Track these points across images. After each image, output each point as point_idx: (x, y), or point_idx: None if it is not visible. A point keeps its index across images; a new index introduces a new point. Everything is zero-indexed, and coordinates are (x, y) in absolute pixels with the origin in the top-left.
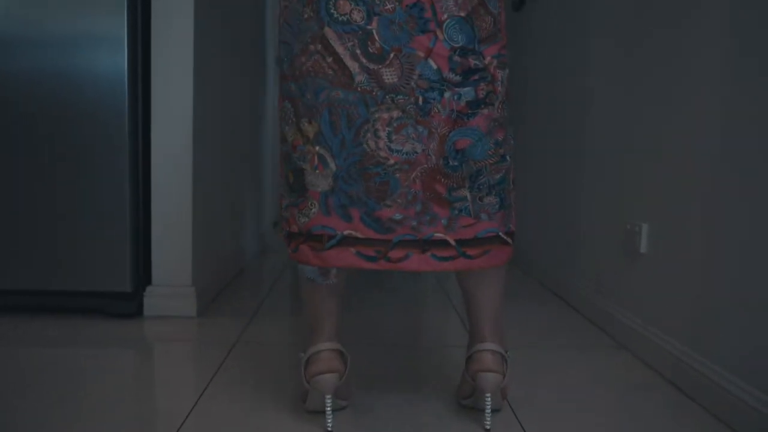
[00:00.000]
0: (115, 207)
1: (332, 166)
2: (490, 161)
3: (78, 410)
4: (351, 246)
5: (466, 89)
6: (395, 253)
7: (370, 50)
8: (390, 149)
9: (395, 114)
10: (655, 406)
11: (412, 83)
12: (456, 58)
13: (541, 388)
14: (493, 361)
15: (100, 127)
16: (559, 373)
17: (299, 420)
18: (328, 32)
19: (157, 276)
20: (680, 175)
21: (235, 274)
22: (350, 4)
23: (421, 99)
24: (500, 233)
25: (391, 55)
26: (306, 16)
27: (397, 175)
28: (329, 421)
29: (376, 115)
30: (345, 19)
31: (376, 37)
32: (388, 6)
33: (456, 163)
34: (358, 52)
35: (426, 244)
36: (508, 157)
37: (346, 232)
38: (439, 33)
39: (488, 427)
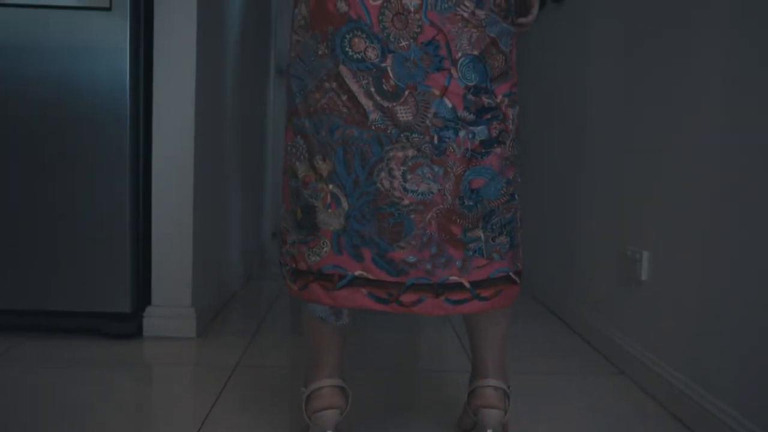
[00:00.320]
0: (115, 226)
1: (345, 205)
2: (503, 200)
3: None
4: (362, 287)
5: (479, 128)
6: (408, 297)
7: (385, 88)
8: (405, 189)
9: (410, 153)
10: None
11: (428, 122)
12: (470, 96)
13: (540, 419)
14: (496, 397)
15: (101, 146)
16: (559, 401)
17: None
18: (343, 70)
19: (156, 296)
20: (681, 202)
21: (235, 289)
22: (365, 42)
23: (436, 138)
24: (510, 273)
25: (406, 92)
26: (320, 52)
27: (412, 216)
28: None
29: (391, 154)
30: (359, 56)
31: (391, 75)
32: (403, 43)
33: (471, 203)
34: (372, 90)
35: (440, 288)
36: (516, 196)
37: (357, 273)
38: (453, 71)
39: None
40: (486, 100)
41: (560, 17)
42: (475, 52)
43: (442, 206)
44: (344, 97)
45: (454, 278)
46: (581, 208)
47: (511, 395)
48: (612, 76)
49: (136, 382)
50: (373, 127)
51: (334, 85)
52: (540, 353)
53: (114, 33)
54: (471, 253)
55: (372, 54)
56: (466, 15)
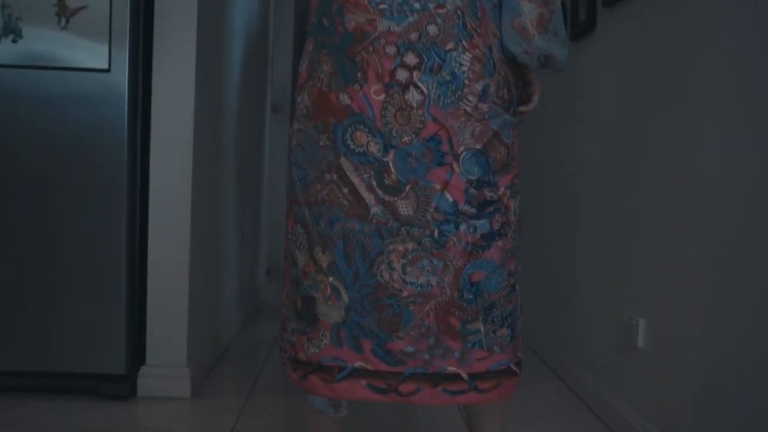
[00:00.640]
0: (110, 286)
1: (345, 297)
2: (504, 293)
3: None
4: (362, 378)
5: (481, 222)
6: (406, 387)
7: (386, 182)
8: (404, 281)
9: (410, 246)
10: None
11: (428, 216)
12: (472, 190)
13: None
14: None
15: (97, 203)
16: None
17: None
18: (344, 162)
19: (151, 356)
20: (679, 270)
21: (230, 338)
22: (367, 136)
23: (436, 231)
24: (511, 364)
25: (408, 187)
26: (322, 143)
27: (411, 307)
28: None
29: (391, 247)
30: (362, 150)
31: (393, 170)
32: (405, 138)
33: (471, 296)
34: (374, 183)
35: (438, 378)
36: (517, 286)
37: (357, 364)
38: (455, 165)
39: None
40: (488, 194)
41: (554, 80)
42: (478, 146)
43: (440, 298)
44: (345, 190)
45: (452, 369)
46: (579, 269)
47: None
48: (607, 137)
49: None
50: (374, 221)
51: (335, 177)
52: (537, 414)
53: (113, 93)
54: (470, 345)
55: (374, 148)
56: (469, 109)
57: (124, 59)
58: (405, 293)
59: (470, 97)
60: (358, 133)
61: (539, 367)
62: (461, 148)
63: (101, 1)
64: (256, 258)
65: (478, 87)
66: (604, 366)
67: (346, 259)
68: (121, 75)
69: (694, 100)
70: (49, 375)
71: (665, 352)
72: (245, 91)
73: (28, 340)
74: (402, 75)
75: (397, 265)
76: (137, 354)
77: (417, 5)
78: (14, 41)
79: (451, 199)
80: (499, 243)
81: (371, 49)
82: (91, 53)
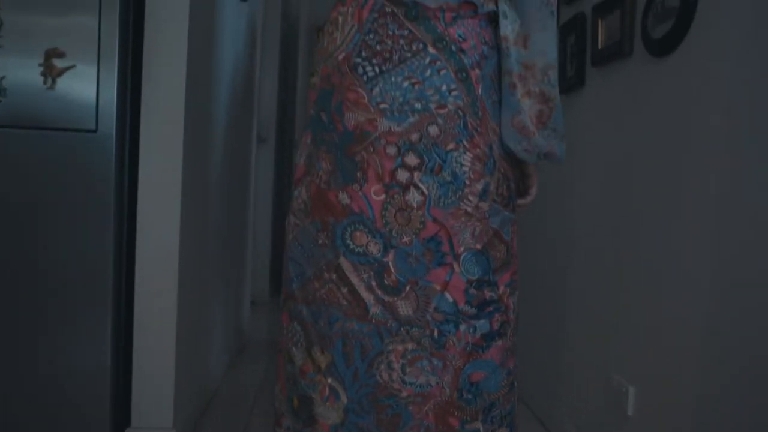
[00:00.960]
0: (95, 347)
1: (344, 398)
2: (503, 392)
3: None
4: None
5: (481, 321)
6: None
7: (386, 282)
8: (403, 381)
9: (410, 346)
10: None
11: (428, 316)
12: (472, 290)
13: None
14: None
15: (83, 269)
16: None
17: None
18: (344, 262)
19: (136, 418)
20: (669, 338)
21: (216, 386)
22: (367, 236)
23: (436, 331)
24: None
25: (407, 287)
26: (320, 241)
27: (410, 407)
28: None
29: (390, 347)
30: (361, 250)
31: (393, 270)
32: (405, 239)
33: (470, 396)
34: (373, 284)
35: None
36: (515, 383)
37: None
38: (456, 266)
39: None
40: (488, 293)
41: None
42: (478, 246)
43: (440, 398)
44: (344, 290)
45: None
46: (569, 326)
47: None
48: (595, 198)
49: None
50: (373, 321)
51: (334, 276)
52: None
53: (100, 154)
54: None
55: (374, 249)
56: (469, 209)
57: (111, 119)
58: (404, 393)
59: (471, 197)
60: (358, 233)
61: (527, 415)
62: (461, 248)
63: (89, 60)
64: (241, 293)
65: (479, 186)
66: (592, 428)
67: (345, 359)
68: (109, 134)
69: (685, 163)
70: None
71: (656, 421)
72: (233, 129)
73: (4, 401)
74: (402, 175)
75: (397, 365)
76: (122, 416)
77: (418, 105)
78: None
79: (451, 300)
80: (499, 343)
81: (371, 149)
82: (77, 113)
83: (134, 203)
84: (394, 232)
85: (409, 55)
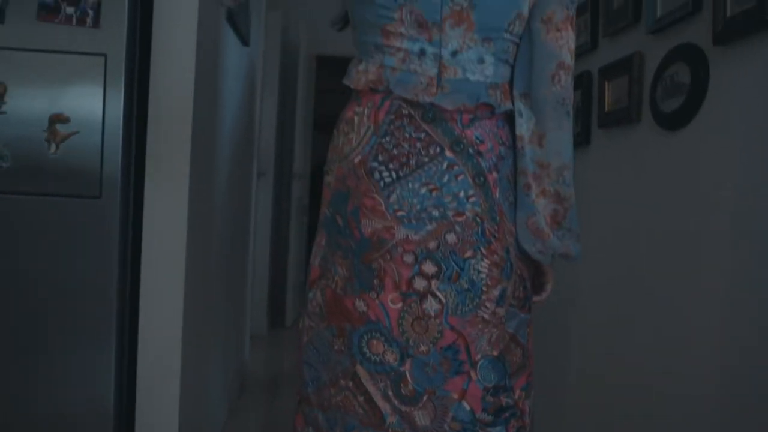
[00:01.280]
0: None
1: None
2: None
3: None
4: None
5: (497, 429)
6: None
7: (403, 392)
8: None
9: None
10: None
11: (446, 426)
12: (489, 398)
13: None
14: None
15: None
16: None
17: None
18: (360, 370)
19: None
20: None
21: None
22: (383, 345)
23: None
24: None
25: (425, 397)
26: (336, 347)
27: None
28: None
29: None
30: (378, 359)
31: (409, 379)
32: (423, 348)
33: None
34: (390, 393)
35: None
36: None
37: None
38: (473, 374)
39: None
40: (504, 400)
41: None
42: (495, 353)
43: None
44: (361, 398)
45: None
46: (572, 395)
47: None
48: (600, 260)
49: None
50: (390, 431)
51: (351, 384)
52: None
53: (103, 220)
54: None
55: (391, 357)
56: (486, 316)
57: (116, 185)
58: None
59: (488, 304)
60: (375, 342)
61: None
62: (478, 356)
63: (93, 125)
64: (242, 329)
65: (496, 293)
66: None
67: None
68: (113, 201)
69: (694, 230)
70: None
71: None
72: (236, 173)
73: None
74: (420, 284)
75: None
76: None
77: (436, 213)
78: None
79: (468, 408)
80: None
81: (389, 257)
82: (81, 179)
83: (137, 271)
84: (411, 341)
85: (426, 159)
